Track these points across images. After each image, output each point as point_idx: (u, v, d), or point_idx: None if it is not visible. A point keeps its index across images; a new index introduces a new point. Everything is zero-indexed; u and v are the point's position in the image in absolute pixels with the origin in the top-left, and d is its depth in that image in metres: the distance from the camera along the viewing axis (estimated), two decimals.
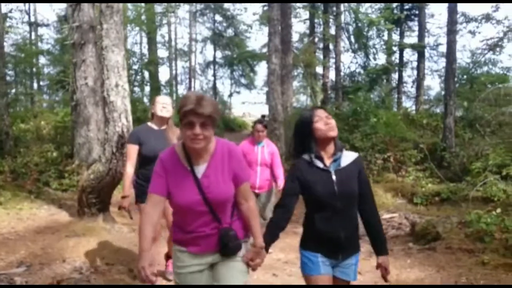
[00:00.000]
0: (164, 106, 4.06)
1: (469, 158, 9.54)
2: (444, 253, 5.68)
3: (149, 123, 4.13)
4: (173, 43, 25.84)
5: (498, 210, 6.50)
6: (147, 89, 17.26)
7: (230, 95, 28.57)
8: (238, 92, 28.24)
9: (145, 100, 18.29)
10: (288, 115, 13.16)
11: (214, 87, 26.72)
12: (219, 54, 26.38)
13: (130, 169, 3.99)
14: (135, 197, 4.11)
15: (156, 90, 15.99)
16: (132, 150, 3.98)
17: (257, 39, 38.13)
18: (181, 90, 27.97)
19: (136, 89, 17.09)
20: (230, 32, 26.04)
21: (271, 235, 2.50)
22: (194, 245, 2.34)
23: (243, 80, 26.54)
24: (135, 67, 16.16)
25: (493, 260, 5.21)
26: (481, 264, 5.20)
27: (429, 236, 6.24)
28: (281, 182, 5.51)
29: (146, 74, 16.67)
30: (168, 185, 2.28)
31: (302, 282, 3.63)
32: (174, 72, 26.53)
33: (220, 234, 2.31)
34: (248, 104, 24.95)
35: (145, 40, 18.70)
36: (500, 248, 5.42)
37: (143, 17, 15.69)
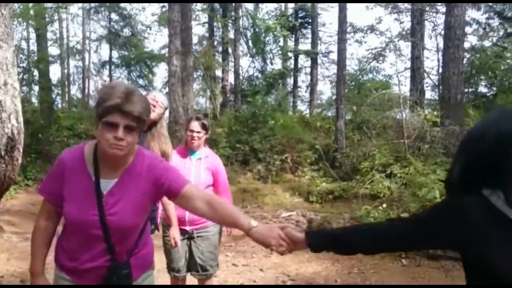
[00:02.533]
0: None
1: (358, 158, 10.31)
2: None
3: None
4: (65, 40, 24.46)
5: (384, 206, 7.16)
6: (37, 88, 16.15)
7: None
8: None
9: (34, 100, 17.12)
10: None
11: None
12: (115, 54, 25.47)
13: None
14: None
15: (46, 90, 15.01)
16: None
17: (156, 40, 37.38)
18: (74, 90, 26.58)
19: (25, 88, 15.93)
20: (127, 31, 25.26)
21: (329, 239, 1.65)
22: (78, 276, 1.86)
23: (141, 82, 25.86)
24: (23, 64, 15.08)
25: None
26: (371, 255, 5.71)
27: None
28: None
29: (36, 72, 15.59)
30: (63, 192, 1.79)
31: None
32: (66, 71, 25.12)
33: (109, 271, 1.82)
34: None
35: (33, 36, 17.49)
36: None
37: (31, 11, 14.69)
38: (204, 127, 3.56)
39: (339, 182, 10.04)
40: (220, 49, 21.97)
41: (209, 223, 3.41)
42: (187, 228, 3.44)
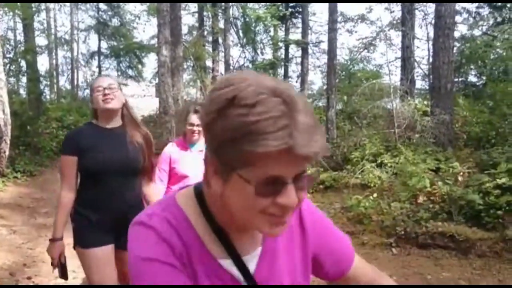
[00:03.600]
0: (106, 92, 2.48)
1: (349, 148, 10.30)
2: None
3: (94, 121, 2.63)
4: (53, 30, 24.14)
5: (375, 195, 7.19)
6: (24, 79, 15.93)
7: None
8: (126, 85, 27.20)
9: (22, 91, 16.93)
10: (179, 108, 13.08)
11: None
12: (104, 44, 25.18)
13: (66, 194, 2.52)
14: (73, 237, 2.59)
15: (34, 81, 14.83)
16: (67, 165, 2.52)
17: (145, 30, 36.99)
18: (63, 81, 26.31)
19: (12, 79, 15.72)
20: (115, 21, 24.99)
21: None
22: None
23: (130, 72, 25.63)
24: (10, 55, 14.84)
25: (371, 240, 5.78)
26: (361, 245, 5.73)
27: None
28: None
29: (23, 63, 15.37)
30: None
31: None
32: (54, 62, 24.83)
33: None
34: (137, 97, 24.12)
35: (20, 26, 17.21)
36: (377, 229, 6.02)
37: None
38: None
39: (330, 172, 10.03)
40: (210, 39, 21.80)
41: None
42: None
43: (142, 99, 23.18)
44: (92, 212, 2.51)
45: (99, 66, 24.99)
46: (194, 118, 3.39)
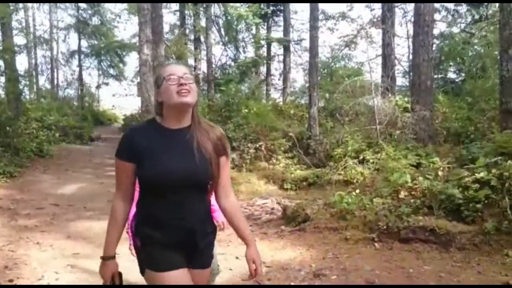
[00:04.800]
0: (182, 82, 1.95)
1: (332, 145, 10.40)
2: (313, 232, 6.19)
3: (158, 119, 2.08)
4: (31, 29, 23.76)
5: (357, 191, 7.26)
6: (3, 79, 15.64)
7: (98, 87, 27.17)
8: (107, 84, 26.99)
9: (0, 91, 16.62)
10: None
11: (80, 78, 25.15)
12: (84, 43, 24.90)
13: (120, 206, 2.10)
14: (139, 259, 2.15)
15: (13, 80, 14.57)
16: (122, 172, 2.07)
17: (126, 28, 36.63)
18: (42, 81, 25.92)
19: None
20: (96, 20, 24.72)
21: None
22: None
23: (112, 71, 25.42)
24: None
25: (354, 236, 5.83)
26: (345, 240, 5.78)
27: (299, 218, 6.73)
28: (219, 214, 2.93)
29: (1, 63, 15.09)
30: None
31: None
32: (33, 61, 24.45)
33: None
34: (119, 96, 23.90)
35: None
36: (360, 225, 6.08)
37: None
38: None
39: (313, 169, 10.12)
40: (192, 37, 21.72)
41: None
42: None
43: (124, 98, 22.99)
44: (155, 230, 2.04)
45: (80, 65, 24.72)
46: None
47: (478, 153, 6.96)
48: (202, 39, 20.70)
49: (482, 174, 6.05)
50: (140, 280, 2.30)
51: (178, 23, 21.99)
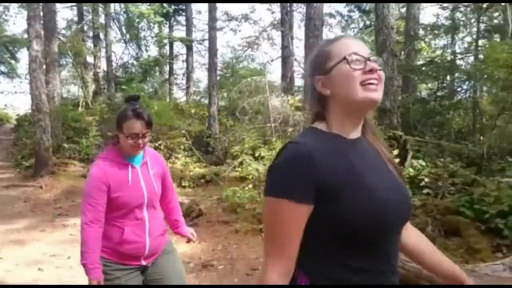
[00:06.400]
0: (371, 66, 1.21)
1: (230, 143, 10.68)
2: (205, 226, 6.38)
3: (323, 127, 1.27)
4: None
5: (250, 186, 7.58)
6: None
7: None
8: None
9: None
10: (56, 106, 12.48)
11: None
12: None
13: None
14: None
15: None
16: (293, 224, 1.15)
17: (16, 23, 34.22)
18: None
19: None
20: None
21: None
22: None
23: (2, 68, 23.70)
24: None
25: (243, 227, 6.11)
26: (235, 232, 6.04)
27: (193, 213, 6.88)
28: (186, 229, 2.78)
29: None
30: None
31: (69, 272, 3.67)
32: None
33: None
34: (10, 94, 22.36)
35: None
36: (249, 217, 6.37)
37: None
38: (149, 124, 2.32)
39: (212, 166, 10.32)
40: (91, 34, 20.95)
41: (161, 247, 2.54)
42: (143, 263, 2.44)
43: (16, 96, 21.57)
44: None
45: None
46: (137, 126, 2.28)
47: None
48: (101, 36, 20.05)
49: None
50: None
51: (76, 19, 21.09)
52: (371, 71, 1.20)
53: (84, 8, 19.94)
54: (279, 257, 1.16)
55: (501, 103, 7.55)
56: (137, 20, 19.71)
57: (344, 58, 1.21)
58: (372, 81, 1.20)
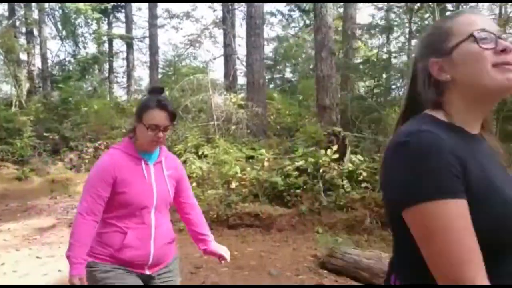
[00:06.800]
0: (506, 45, 1.03)
1: (173, 141, 10.56)
2: None
3: (440, 115, 1.08)
4: None
5: (194, 184, 7.56)
6: None
7: None
8: None
9: None
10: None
11: None
12: None
13: None
14: None
15: None
16: (461, 224, 0.93)
17: None
18: None
19: None
20: None
21: None
22: None
23: None
24: None
25: None
26: (179, 231, 5.94)
27: None
28: (216, 246, 2.44)
29: None
30: None
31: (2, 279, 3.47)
32: None
33: None
34: None
35: None
36: None
37: None
38: (173, 117, 2.17)
39: None
40: (24, 30, 19.97)
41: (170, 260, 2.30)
42: (147, 273, 2.18)
43: None
44: None
45: None
46: (160, 117, 2.08)
47: (300, 144, 7.78)
48: (35, 32, 19.17)
49: (301, 163, 6.81)
50: None
51: (7, 14, 20.03)
52: (505, 50, 1.01)
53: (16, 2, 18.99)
54: (476, 268, 0.91)
55: None
56: (73, 16, 19.02)
57: (471, 35, 1.02)
58: (509, 61, 1.01)
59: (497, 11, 13.32)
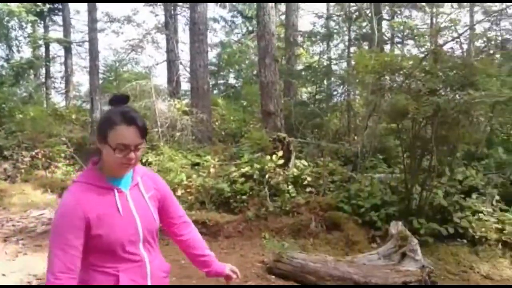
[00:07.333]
0: None
1: None
2: None
3: None
4: None
5: None
6: None
7: None
8: None
9: None
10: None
11: None
12: None
13: None
14: None
15: None
16: None
17: None
18: None
19: None
20: None
21: None
22: None
23: None
24: None
25: None
26: None
27: None
28: (220, 265, 2.15)
29: None
30: None
31: None
32: None
33: None
34: None
35: None
36: None
37: None
38: (144, 133, 1.70)
39: None
40: None
41: None
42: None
43: None
44: None
45: None
46: (130, 134, 1.66)
47: (245, 150, 7.83)
48: None
49: (246, 169, 6.85)
50: None
51: None
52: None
53: None
54: None
55: (371, 105, 8.27)
56: (6, 18, 18.10)
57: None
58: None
59: (428, 22, 14.10)
